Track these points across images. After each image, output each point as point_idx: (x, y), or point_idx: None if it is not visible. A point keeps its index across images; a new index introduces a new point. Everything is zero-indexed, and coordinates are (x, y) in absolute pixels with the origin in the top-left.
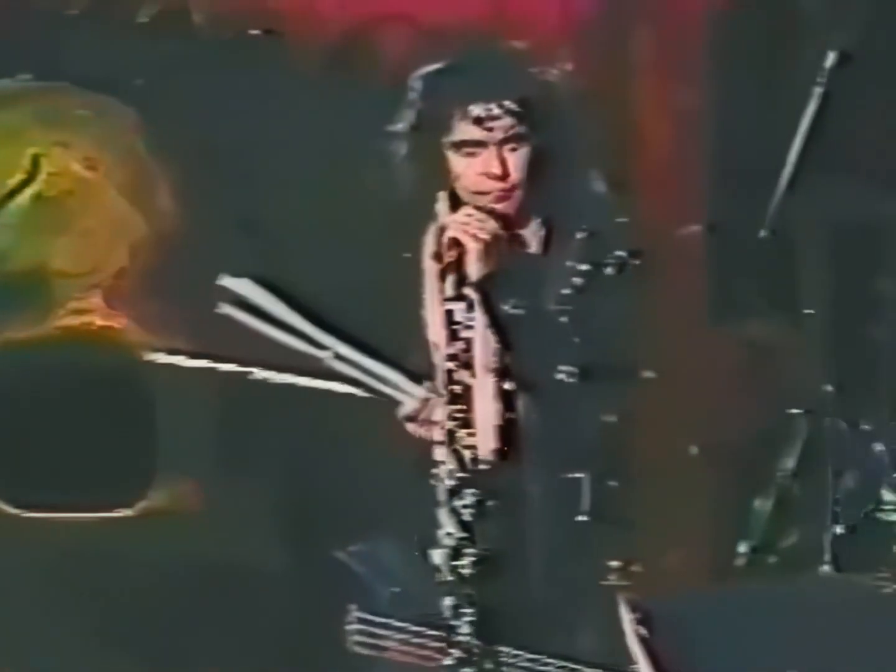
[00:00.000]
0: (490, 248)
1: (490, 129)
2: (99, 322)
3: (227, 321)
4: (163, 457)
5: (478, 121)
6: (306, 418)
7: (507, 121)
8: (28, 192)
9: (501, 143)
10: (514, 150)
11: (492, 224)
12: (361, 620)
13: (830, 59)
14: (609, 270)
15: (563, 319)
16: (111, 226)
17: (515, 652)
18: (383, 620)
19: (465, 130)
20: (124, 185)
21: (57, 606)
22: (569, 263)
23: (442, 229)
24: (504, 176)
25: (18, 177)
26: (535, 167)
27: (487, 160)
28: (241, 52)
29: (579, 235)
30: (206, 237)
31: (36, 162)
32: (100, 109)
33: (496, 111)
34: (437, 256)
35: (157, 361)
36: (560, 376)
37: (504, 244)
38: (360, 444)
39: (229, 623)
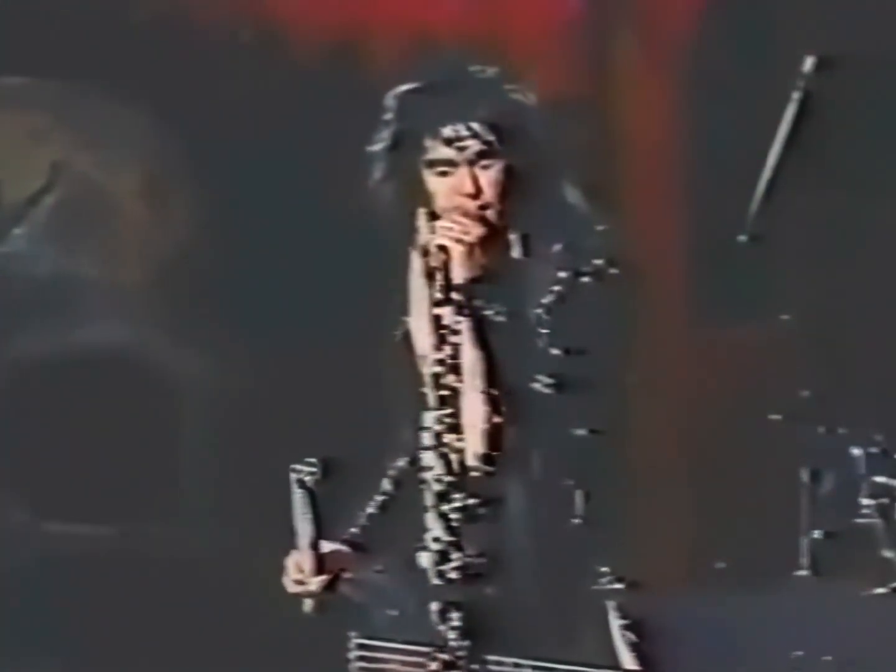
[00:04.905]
0: (473, 252)
1: (461, 149)
2: (122, 331)
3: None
4: (183, 469)
5: (448, 141)
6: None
7: (479, 140)
8: (49, 199)
9: (473, 162)
10: (486, 167)
11: (476, 228)
12: (362, 647)
13: (808, 63)
14: (587, 278)
15: (544, 328)
16: (131, 234)
17: (501, 657)
18: (384, 644)
19: (437, 150)
20: (142, 191)
21: (74, 612)
22: (550, 270)
23: (425, 242)
24: (477, 194)
25: (39, 183)
26: (512, 182)
27: (460, 179)
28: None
29: (558, 246)
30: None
31: (56, 168)
32: (116, 115)
33: (464, 132)
34: (425, 263)
35: (179, 373)
36: (548, 381)
37: (488, 247)
38: None
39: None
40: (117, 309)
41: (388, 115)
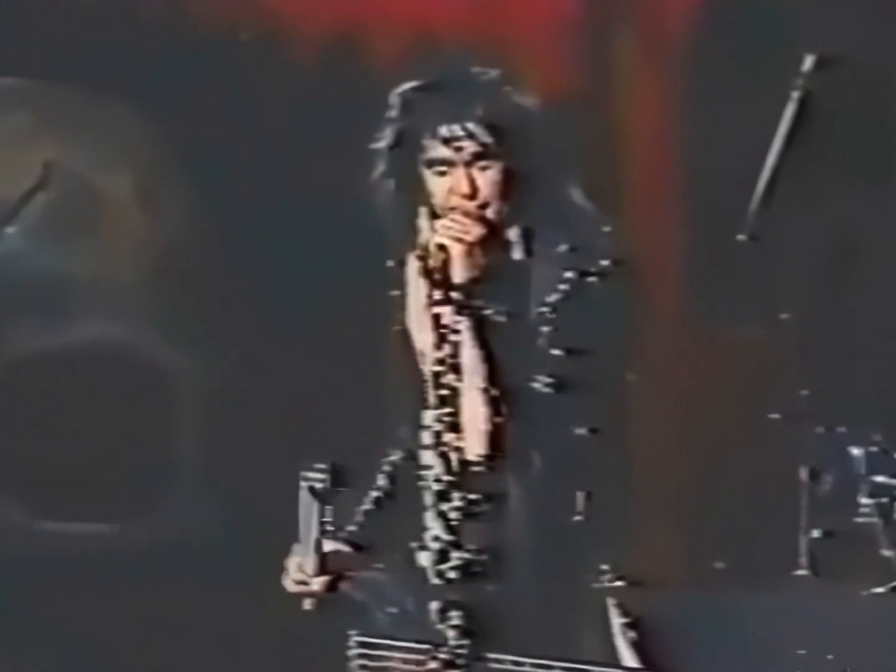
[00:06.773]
0: (474, 252)
1: (458, 149)
2: (117, 330)
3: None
4: (177, 468)
5: (445, 141)
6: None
7: (475, 141)
8: (41, 198)
9: (470, 163)
10: (483, 169)
11: (476, 228)
12: (362, 645)
13: (808, 63)
14: (592, 279)
15: (546, 328)
16: (124, 232)
17: (501, 656)
18: (384, 642)
19: (435, 149)
20: (137, 189)
21: (72, 612)
22: (553, 270)
23: (426, 241)
24: (473, 195)
25: (31, 182)
26: (510, 184)
27: (457, 179)
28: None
29: (563, 246)
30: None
31: (48, 167)
32: (108, 113)
33: (460, 133)
34: (424, 263)
35: (174, 372)
36: (547, 380)
37: (488, 247)
38: None
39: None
40: (112, 307)
41: (391, 113)
